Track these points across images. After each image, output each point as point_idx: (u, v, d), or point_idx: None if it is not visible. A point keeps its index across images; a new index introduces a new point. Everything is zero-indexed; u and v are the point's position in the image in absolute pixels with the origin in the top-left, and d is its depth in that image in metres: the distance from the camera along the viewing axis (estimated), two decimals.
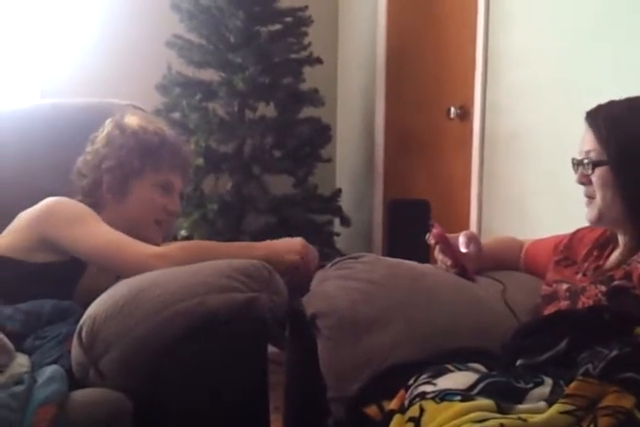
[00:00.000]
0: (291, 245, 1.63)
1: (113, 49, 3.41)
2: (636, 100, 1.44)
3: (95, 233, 1.58)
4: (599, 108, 1.43)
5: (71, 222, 1.59)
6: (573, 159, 1.43)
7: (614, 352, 1.09)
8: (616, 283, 1.31)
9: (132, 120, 1.75)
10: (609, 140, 1.38)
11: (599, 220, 1.41)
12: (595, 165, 1.38)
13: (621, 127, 1.39)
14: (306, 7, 3.31)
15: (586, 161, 1.39)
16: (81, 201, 1.67)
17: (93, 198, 1.69)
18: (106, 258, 1.57)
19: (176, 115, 3.20)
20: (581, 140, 1.43)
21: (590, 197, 1.41)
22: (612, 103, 1.43)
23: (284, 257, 1.59)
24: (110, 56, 3.40)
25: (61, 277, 1.59)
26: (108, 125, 1.74)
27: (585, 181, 1.41)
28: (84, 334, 1.36)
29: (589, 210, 1.42)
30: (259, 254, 1.55)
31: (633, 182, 1.36)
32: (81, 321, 1.38)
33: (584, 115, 1.44)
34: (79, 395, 1.30)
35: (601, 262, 1.45)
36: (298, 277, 1.57)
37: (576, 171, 1.43)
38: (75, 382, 1.34)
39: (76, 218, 1.60)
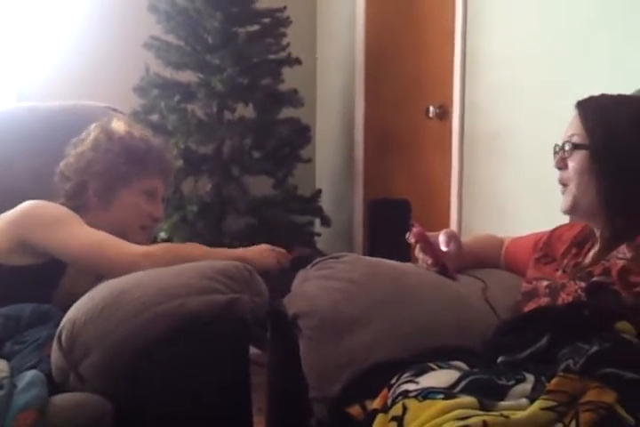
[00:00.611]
0: (263, 251, 1.64)
1: (90, 51, 3.39)
2: (628, 96, 1.46)
3: (79, 234, 1.58)
4: (591, 98, 1.44)
5: (52, 225, 1.58)
6: (556, 145, 1.43)
7: (594, 348, 1.09)
8: (595, 279, 1.32)
9: (118, 125, 1.75)
10: (594, 127, 1.38)
11: (573, 209, 1.41)
12: (575, 147, 1.38)
13: (608, 117, 1.39)
14: (284, 8, 3.31)
15: (567, 144, 1.39)
16: (63, 204, 1.66)
17: (77, 202, 1.68)
18: (91, 258, 1.57)
19: (154, 116, 3.18)
20: (567, 127, 1.43)
21: (564, 184, 1.41)
22: (603, 95, 1.44)
23: (261, 261, 1.60)
24: (87, 58, 3.38)
25: (41, 279, 1.58)
26: (94, 130, 1.74)
27: (562, 165, 1.41)
28: (63, 337, 1.35)
29: (564, 198, 1.42)
30: (236, 256, 1.57)
31: (609, 173, 1.36)
32: (60, 325, 1.37)
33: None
34: (59, 399, 1.29)
35: (580, 259, 1.45)
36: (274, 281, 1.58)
37: (555, 157, 1.43)
38: (55, 386, 1.34)
39: (57, 220, 1.59)
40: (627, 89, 1.68)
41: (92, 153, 1.70)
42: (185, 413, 1.37)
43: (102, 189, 1.68)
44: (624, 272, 1.28)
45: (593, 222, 1.43)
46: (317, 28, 3.94)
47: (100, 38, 3.40)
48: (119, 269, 1.49)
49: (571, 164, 1.40)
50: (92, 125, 1.75)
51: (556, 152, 1.43)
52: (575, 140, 1.39)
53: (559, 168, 1.42)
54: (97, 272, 1.58)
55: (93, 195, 1.68)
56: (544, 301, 1.39)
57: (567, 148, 1.39)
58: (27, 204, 1.63)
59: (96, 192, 1.68)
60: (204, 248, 1.66)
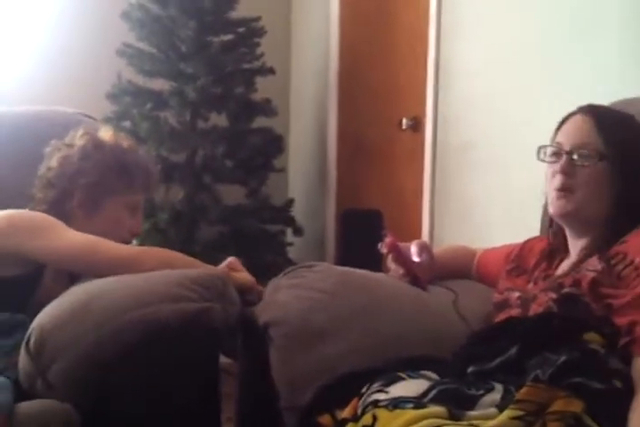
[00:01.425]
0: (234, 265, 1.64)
1: (62, 57, 3.37)
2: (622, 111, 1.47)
3: (67, 237, 1.55)
4: (598, 106, 1.44)
5: (36, 232, 1.54)
6: (557, 147, 1.40)
7: (563, 358, 1.10)
8: (566, 290, 1.33)
9: (106, 135, 1.72)
10: (615, 137, 1.37)
11: (574, 214, 1.38)
12: (601, 157, 1.36)
13: (627, 128, 1.40)
14: (259, 18, 3.32)
15: (586, 152, 1.37)
16: (45, 211, 1.63)
17: (59, 210, 1.64)
18: (85, 260, 1.53)
19: (126, 123, 3.17)
20: (572, 131, 1.40)
21: (567, 190, 1.38)
22: (603, 106, 1.46)
23: (238, 275, 1.59)
24: (60, 64, 3.36)
25: (16, 290, 1.55)
26: (81, 137, 1.70)
27: (570, 171, 1.37)
28: (31, 343, 1.33)
29: (564, 202, 1.38)
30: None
31: (626, 182, 1.36)
32: (29, 331, 1.36)
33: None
34: (26, 406, 1.27)
35: (550, 272, 1.46)
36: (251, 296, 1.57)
37: (551, 159, 1.40)
38: (22, 392, 1.32)
39: (41, 227, 1.56)
40: (602, 99, 1.70)
41: (80, 163, 1.66)
42: (154, 421, 1.36)
43: (87, 200, 1.65)
44: (594, 284, 1.29)
45: (583, 231, 1.41)
46: (291, 38, 3.96)
47: (73, 45, 3.38)
48: (118, 269, 1.47)
49: (586, 172, 1.37)
50: (79, 132, 1.72)
51: (555, 154, 1.40)
52: (592, 148, 1.36)
53: (564, 173, 1.38)
54: (93, 273, 1.54)
55: (78, 205, 1.65)
56: (515, 311, 1.40)
57: (587, 157, 1.36)
58: (4, 214, 1.59)
59: (81, 203, 1.65)
60: (188, 258, 1.63)
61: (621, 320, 1.21)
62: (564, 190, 1.38)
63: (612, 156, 1.37)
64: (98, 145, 1.69)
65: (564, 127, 1.43)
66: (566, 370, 1.08)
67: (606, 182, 1.37)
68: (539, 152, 1.44)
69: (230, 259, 1.65)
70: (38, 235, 1.54)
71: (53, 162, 1.69)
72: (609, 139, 1.37)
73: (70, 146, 1.70)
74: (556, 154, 1.41)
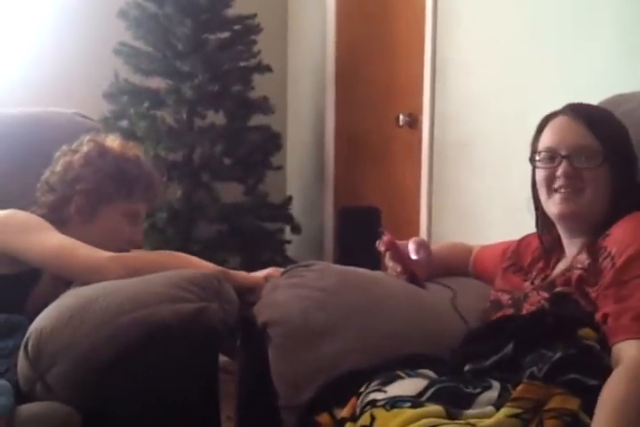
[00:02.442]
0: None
1: (59, 57, 3.36)
2: (599, 107, 1.47)
3: (48, 239, 1.55)
4: (579, 105, 1.43)
5: (21, 232, 1.56)
6: (552, 152, 1.39)
7: (558, 354, 1.11)
8: (558, 289, 1.33)
9: (112, 143, 1.72)
10: (607, 135, 1.37)
11: (581, 214, 1.38)
12: (605, 159, 1.35)
13: (612, 124, 1.41)
14: (255, 15, 3.31)
15: (589, 155, 1.36)
16: (45, 215, 1.64)
17: (58, 214, 1.65)
18: (59, 262, 1.54)
19: (124, 123, 3.16)
20: (564, 134, 1.39)
21: (578, 190, 1.37)
22: (589, 104, 1.45)
23: (245, 278, 1.59)
24: (56, 64, 3.35)
25: (13, 289, 1.55)
26: (87, 143, 1.71)
27: (574, 174, 1.36)
28: (29, 347, 1.33)
29: (573, 202, 1.37)
30: (215, 269, 1.56)
31: (622, 180, 1.37)
32: (27, 334, 1.36)
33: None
34: (26, 409, 1.28)
35: (548, 272, 1.46)
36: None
37: (545, 164, 1.39)
38: (22, 395, 1.32)
39: (27, 227, 1.57)
40: (598, 95, 1.71)
41: (81, 169, 1.67)
42: (153, 421, 1.36)
43: (86, 206, 1.66)
44: (580, 282, 1.29)
45: (582, 231, 1.40)
46: (288, 36, 3.95)
47: (70, 44, 3.38)
48: (87, 275, 1.48)
49: (593, 173, 1.36)
50: (86, 138, 1.73)
51: (553, 158, 1.39)
52: (592, 150, 1.36)
53: (568, 177, 1.37)
54: (66, 277, 1.56)
55: (76, 211, 1.65)
56: (509, 312, 1.40)
57: (589, 158, 1.36)
58: (5, 211, 1.61)
59: (79, 209, 1.66)
60: (184, 257, 1.63)
61: (598, 314, 1.22)
62: (572, 192, 1.37)
63: (611, 157, 1.37)
64: (101, 152, 1.69)
65: (551, 130, 1.41)
66: (562, 367, 1.09)
67: (608, 184, 1.37)
68: (532, 160, 1.43)
69: (270, 270, 1.65)
70: (24, 234, 1.56)
71: (58, 167, 1.70)
72: (604, 138, 1.37)
73: (75, 152, 1.70)
74: (551, 158, 1.39)
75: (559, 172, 1.37)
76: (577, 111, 1.41)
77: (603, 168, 1.36)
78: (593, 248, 1.33)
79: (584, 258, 1.33)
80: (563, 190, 1.38)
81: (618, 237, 1.29)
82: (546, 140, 1.41)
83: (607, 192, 1.37)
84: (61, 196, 1.67)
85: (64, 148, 1.73)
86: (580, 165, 1.36)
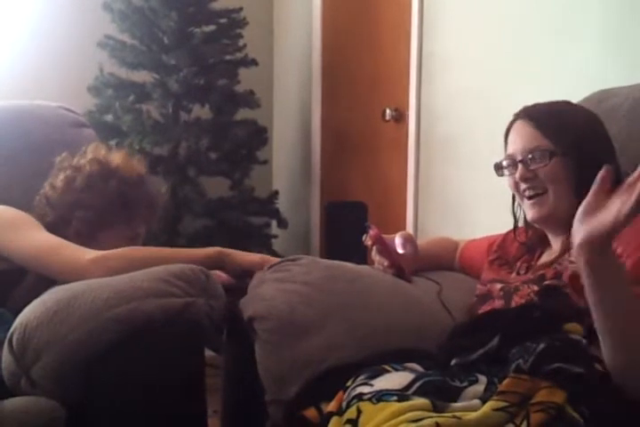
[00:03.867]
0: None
1: (43, 49, 3.34)
2: (561, 101, 1.48)
3: (33, 236, 1.54)
4: (532, 107, 1.45)
5: (7, 229, 1.55)
6: (511, 159, 1.42)
7: (542, 345, 1.11)
8: (547, 282, 1.34)
9: (116, 161, 1.68)
10: (559, 132, 1.39)
11: (551, 215, 1.40)
12: (551, 155, 1.37)
13: (567, 122, 1.42)
14: (240, 9, 3.31)
15: (537, 154, 1.38)
16: None
17: (56, 233, 1.59)
18: (41, 262, 1.52)
19: (109, 117, 3.15)
20: (517, 139, 1.42)
21: (538, 193, 1.40)
22: (541, 103, 1.46)
23: (243, 256, 1.58)
24: (40, 57, 3.33)
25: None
26: (90, 162, 1.66)
27: (530, 176, 1.39)
28: (14, 341, 1.32)
29: (539, 207, 1.40)
30: (209, 252, 1.56)
31: (583, 173, 1.35)
32: (12, 328, 1.35)
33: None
34: (10, 404, 1.27)
35: (533, 262, 1.47)
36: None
37: (510, 172, 1.43)
38: (6, 390, 1.31)
39: (15, 225, 1.55)
40: (585, 91, 1.72)
41: (81, 194, 1.63)
42: (139, 416, 1.36)
43: (85, 231, 1.63)
44: (574, 278, 1.30)
45: (559, 228, 1.42)
46: (274, 29, 3.95)
47: (54, 37, 3.36)
48: (67, 275, 1.46)
49: (543, 172, 1.38)
50: (89, 150, 1.69)
51: (508, 166, 1.42)
52: (540, 149, 1.38)
53: (526, 180, 1.40)
54: (48, 276, 1.55)
55: (75, 233, 1.62)
56: (498, 303, 1.41)
57: (540, 158, 1.38)
58: None
59: (77, 233, 1.63)
60: (171, 249, 1.62)
61: None
62: (536, 195, 1.41)
63: (562, 150, 1.38)
64: (104, 175, 1.66)
65: (510, 138, 1.45)
66: (546, 357, 1.09)
67: (567, 177, 1.38)
68: (497, 170, 1.46)
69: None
70: (9, 231, 1.54)
71: (58, 182, 1.66)
72: (554, 135, 1.39)
73: (77, 169, 1.67)
74: (513, 165, 1.43)
75: (517, 177, 1.42)
76: (528, 114, 1.44)
77: (556, 164, 1.38)
78: None
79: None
80: (527, 193, 1.42)
81: (623, 238, 1.30)
82: (508, 147, 1.46)
83: (571, 186, 1.38)
84: (59, 217, 1.64)
85: (65, 155, 1.69)
86: (533, 166, 1.39)
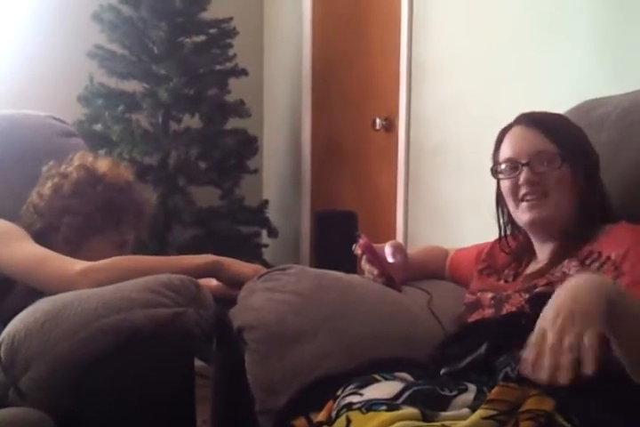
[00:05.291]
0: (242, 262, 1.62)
1: (33, 59, 3.34)
2: (553, 113, 1.49)
3: (21, 248, 1.53)
4: (532, 114, 1.46)
5: (0, 240, 1.53)
6: (513, 162, 1.41)
7: None
8: (537, 290, 1.34)
9: (103, 168, 1.68)
10: (566, 139, 1.40)
11: (550, 219, 1.40)
12: (563, 159, 1.38)
13: (569, 129, 1.44)
14: (230, 18, 3.31)
15: (548, 157, 1.38)
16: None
17: (44, 240, 1.59)
18: (29, 274, 1.51)
19: (98, 126, 3.15)
20: (522, 143, 1.41)
21: (543, 196, 1.39)
22: (540, 112, 1.47)
23: (237, 269, 1.57)
24: (30, 66, 3.33)
25: None
26: (77, 169, 1.66)
27: (535, 179, 1.39)
28: (2, 352, 1.32)
29: (540, 208, 1.39)
30: (206, 261, 1.55)
31: (586, 181, 1.39)
32: (0, 339, 1.34)
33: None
34: None
35: (520, 270, 1.48)
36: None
37: (508, 175, 1.42)
38: None
39: (1, 236, 1.54)
40: (574, 98, 1.73)
41: (69, 200, 1.63)
42: (129, 426, 1.35)
43: (74, 237, 1.63)
44: None
45: (552, 235, 1.42)
46: (264, 39, 3.96)
47: (44, 47, 3.36)
48: (56, 287, 1.45)
49: (554, 175, 1.38)
50: (76, 158, 1.68)
51: (512, 168, 1.41)
52: (550, 153, 1.39)
53: (531, 183, 1.39)
54: (35, 287, 1.54)
55: (63, 240, 1.62)
56: (488, 312, 1.41)
57: (548, 161, 1.38)
58: None
59: (65, 239, 1.62)
60: (163, 258, 1.61)
61: None
62: (538, 198, 1.40)
63: (570, 157, 1.40)
64: (91, 182, 1.66)
65: (509, 141, 1.44)
66: None
67: (571, 184, 1.40)
68: (493, 173, 1.46)
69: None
70: (1, 243, 1.53)
71: (45, 190, 1.66)
72: (560, 141, 1.40)
73: (64, 176, 1.66)
74: (514, 168, 1.42)
75: (521, 180, 1.40)
76: (531, 119, 1.44)
77: (563, 169, 1.39)
78: (578, 254, 1.34)
79: (571, 263, 1.34)
80: (528, 197, 1.41)
81: (611, 243, 1.31)
82: (505, 151, 1.44)
83: (572, 192, 1.40)
84: (48, 224, 1.63)
85: (52, 164, 1.69)
86: (541, 170, 1.39)
